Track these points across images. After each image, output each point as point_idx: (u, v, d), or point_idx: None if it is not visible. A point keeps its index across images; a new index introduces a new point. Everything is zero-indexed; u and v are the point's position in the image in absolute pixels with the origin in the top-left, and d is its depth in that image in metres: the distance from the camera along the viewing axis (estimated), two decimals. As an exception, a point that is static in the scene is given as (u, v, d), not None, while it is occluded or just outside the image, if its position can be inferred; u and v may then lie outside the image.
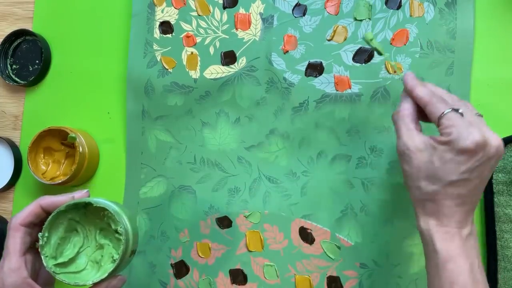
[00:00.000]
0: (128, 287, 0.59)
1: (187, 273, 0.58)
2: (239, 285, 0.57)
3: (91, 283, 0.42)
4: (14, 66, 0.65)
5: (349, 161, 0.55)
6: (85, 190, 0.45)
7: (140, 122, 0.60)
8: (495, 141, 0.39)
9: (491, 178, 0.52)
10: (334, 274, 0.55)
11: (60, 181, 0.58)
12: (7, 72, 0.65)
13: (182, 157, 0.59)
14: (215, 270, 0.57)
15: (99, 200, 0.44)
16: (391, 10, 0.55)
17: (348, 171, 0.55)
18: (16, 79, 0.65)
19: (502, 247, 0.52)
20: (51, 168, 0.61)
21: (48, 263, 0.42)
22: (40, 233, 0.42)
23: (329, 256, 0.55)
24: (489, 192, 0.52)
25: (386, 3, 0.55)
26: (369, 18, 0.56)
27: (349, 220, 0.55)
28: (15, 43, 0.65)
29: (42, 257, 0.42)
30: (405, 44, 0.55)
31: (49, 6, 0.65)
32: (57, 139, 0.60)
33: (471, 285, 0.39)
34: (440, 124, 0.40)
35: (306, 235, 0.56)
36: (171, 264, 0.59)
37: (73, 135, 0.57)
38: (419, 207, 0.42)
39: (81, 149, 0.58)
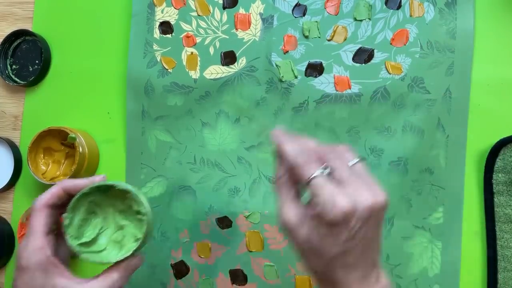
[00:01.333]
0: (128, 287, 0.59)
1: (187, 273, 0.58)
2: (239, 285, 0.57)
3: (115, 261, 0.44)
4: (14, 66, 0.65)
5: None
6: (103, 175, 0.46)
7: (140, 122, 0.60)
8: (366, 201, 0.35)
9: (491, 178, 0.52)
10: (334, 274, 0.55)
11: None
12: (7, 72, 0.65)
13: (182, 157, 0.59)
14: (215, 270, 0.57)
15: (121, 183, 0.46)
16: (391, 10, 0.55)
17: (348, 171, 0.55)
18: (16, 79, 0.65)
19: (502, 247, 0.52)
20: (51, 168, 0.61)
21: (73, 242, 0.44)
22: (64, 214, 0.44)
23: (329, 256, 0.55)
24: (489, 192, 0.52)
25: (386, 3, 0.55)
26: (369, 19, 0.56)
27: (349, 220, 0.55)
28: (15, 43, 0.65)
29: (67, 236, 0.43)
30: (405, 44, 0.55)
31: (49, 6, 0.65)
32: (57, 139, 0.60)
33: None
34: (310, 192, 0.36)
35: (306, 235, 0.56)
36: (171, 265, 0.59)
37: (73, 135, 0.57)
38: (316, 281, 0.39)
39: (81, 149, 0.58)
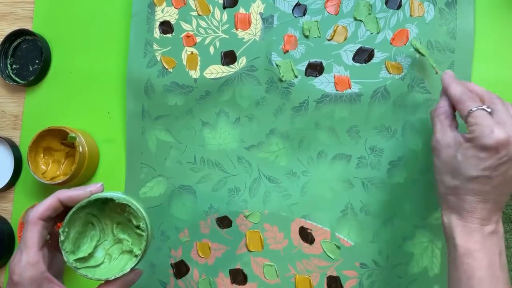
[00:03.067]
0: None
1: (187, 273, 0.58)
2: (239, 285, 0.57)
3: (112, 278, 0.43)
4: (14, 66, 0.65)
5: (349, 161, 0.55)
6: (100, 184, 0.45)
7: (140, 122, 0.60)
8: None
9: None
10: (334, 274, 0.55)
11: (60, 181, 0.58)
12: (7, 72, 0.65)
13: (182, 157, 0.59)
14: (215, 270, 0.57)
15: (120, 196, 0.44)
16: (391, 10, 0.55)
17: (348, 171, 0.55)
18: (16, 79, 0.65)
19: (502, 247, 0.52)
20: (51, 168, 0.61)
21: (69, 258, 0.42)
22: (60, 229, 0.42)
23: (329, 256, 0.55)
24: (489, 192, 0.52)
25: (386, 3, 0.55)
26: (362, 20, 0.56)
27: (349, 220, 0.55)
28: (15, 43, 0.65)
29: (63, 252, 0.42)
30: (405, 44, 0.55)
31: (49, 6, 0.65)
32: (57, 139, 0.60)
33: (488, 281, 0.40)
34: (467, 122, 0.41)
35: (306, 235, 0.56)
36: (171, 264, 0.59)
37: (73, 135, 0.57)
38: (443, 201, 0.44)
39: (81, 149, 0.58)
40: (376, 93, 0.55)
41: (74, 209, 0.42)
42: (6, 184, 0.62)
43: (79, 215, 0.44)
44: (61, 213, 0.43)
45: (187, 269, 0.58)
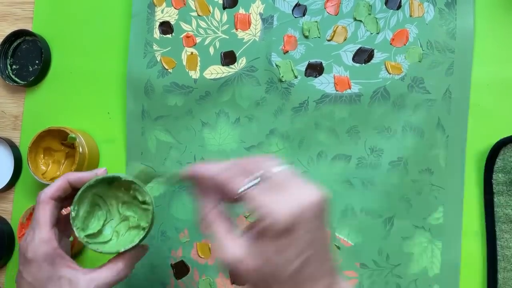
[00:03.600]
0: (128, 287, 0.59)
1: (187, 273, 0.58)
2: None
3: (123, 250, 0.44)
4: (14, 66, 0.65)
5: (349, 161, 0.55)
6: (104, 168, 0.46)
7: (140, 122, 0.60)
8: (305, 201, 0.32)
9: (491, 178, 0.52)
10: (334, 274, 0.55)
11: (60, 181, 0.58)
12: (7, 72, 0.65)
13: (182, 157, 0.59)
14: (215, 270, 0.57)
15: (126, 175, 0.46)
16: (391, 10, 0.55)
17: (348, 171, 0.55)
18: (16, 79, 0.65)
19: (502, 247, 0.52)
20: (51, 168, 0.61)
21: (80, 234, 0.44)
22: (71, 206, 0.44)
23: (329, 256, 0.55)
24: (489, 192, 0.52)
25: (386, 3, 0.55)
26: (362, 21, 0.56)
27: (349, 220, 0.55)
28: (15, 43, 0.65)
29: (74, 228, 0.44)
30: (405, 44, 0.55)
31: (49, 6, 0.65)
32: (57, 140, 0.60)
33: None
34: (246, 207, 0.34)
35: (306, 235, 0.56)
36: (171, 265, 0.59)
37: (73, 135, 0.57)
38: None
39: (81, 150, 0.58)
40: (376, 93, 0.55)
41: (83, 187, 0.44)
42: (6, 185, 0.62)
43: (87, 195, 0.46)
44: (69, 195, 0.45)
45: (187, 270, 0.58)
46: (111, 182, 0.47)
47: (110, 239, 0.47)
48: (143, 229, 0.46)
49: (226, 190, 0.34)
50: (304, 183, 0.33)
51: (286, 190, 0.32)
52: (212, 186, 0.35)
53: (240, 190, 0.33)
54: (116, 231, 0.48)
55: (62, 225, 0.46)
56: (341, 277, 0.35)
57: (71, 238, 0.57)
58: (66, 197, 0.45)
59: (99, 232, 0.47)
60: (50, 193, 0.43)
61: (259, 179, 0.33)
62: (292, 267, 0.32)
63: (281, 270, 0.32)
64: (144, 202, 0.47)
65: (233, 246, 0.33)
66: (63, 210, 0.46)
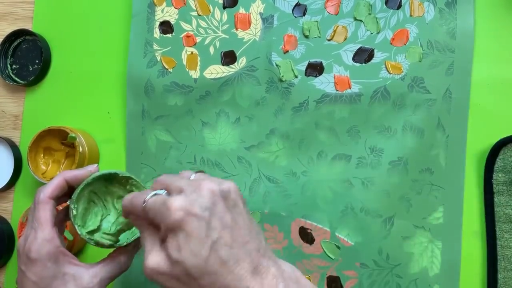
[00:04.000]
0: (128, 287, 0.59)
1: (187, 273, 0.58)
2: (239, 285, 0.57)
3: (125, 243, 0.45)
4: (14, 66, 0.65)
5: (349, 161, 0.55)
6: (96, 165, 0.47)
7: (140, 122, 0.60)
8: (203, 191, 0.34)
9: (491, 178, 0.52)
10: (334, 274, 0.55)
11: (60, 181, 0.58)
12: (7, 72, 0.65)
13: (182, 157, 0.59)
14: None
15: (123, 171, 0.47)
16: (391, 10, 0.55)
17: (348, 171, 0.55)
18: (16, 79, 0.65)
19: (502, 247, 0.52)
20: (51, 168, 0.61)
21: (82, 231, 0.45)
22: (71, 205, 0.44)
23: (329, 256, 0.55)
24: (489, 192, 0.52)
25: (386, 3, 0.55)
26: (362, 21, 0.56)
27: (349, 220, 0.55)
28: (15, 43, 0.65)
29: (75, 226, 0.44)
30: (405, 44, 0.55)
31: (49, 6, 0.65)
32: (57, 139, 0.60)
33: None
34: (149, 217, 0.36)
35: (306, 235, 0.56)
36: (171, 264, 0.59)
37: (73, 135, 0.57)
38: None
39: (81, 149, 0.58)
40: (376, 93, 0.55)
41: (82, 185, 0.45)
42: (6, 184, 0.62)
43: (84, 192, 0.46)
44: (65, 193, 0.45)
45: (187, 269, 0.58)
46: (107, 179, 0.47)
47: (109, 234, 0.48)
48: None
49: (134, 210, 0.38)
50: (208, 180, 0.36)
51: (188, 189, 0.35)
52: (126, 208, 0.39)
53: (143, 202, 0.36)
54: (113, 226, 0.48)
55: (56, 223, 0.46)
56: (280, 260, 0.37)
57: (69, 236, 0.57)
58: (64, 196, 0.46)
59: (99, 228, 0.47)
60: (48, 192, 0.44)
61: (164, 191, 0.36)
62: (201, 255, 0.33)
63: (193, 261, 0.33)
64: None
65: (152, 257, 0.35)
66: (56, 209, 0.46)
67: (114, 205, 0.49)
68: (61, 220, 0.46)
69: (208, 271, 0.33)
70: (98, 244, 0.45)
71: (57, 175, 0.45)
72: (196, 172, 0.38)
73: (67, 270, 0.43)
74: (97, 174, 0.45)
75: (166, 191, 0.36)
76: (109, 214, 0.49)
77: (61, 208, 0.47)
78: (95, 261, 0.45)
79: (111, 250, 0.46)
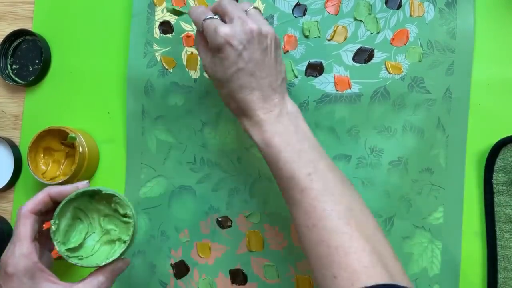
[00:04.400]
0: (128, 287, 0.59)
1: (187, 273, 0.58)
2: (239, 285, 0.57)
3: (103, 264, 0.45)
4: (14, 66, 0.65)
5: (349, 161, 0.55)
6: (86, 181, 0.47)
7: (140, 122, 0.60)
8: (244, 27, 0.43)
9: (491, 178, 0.52)
10: (334, 274, 0.55)
11: (60, 181, 0.58)
12: (7, 72, 0.65)
13: (182, 157, 0.59)
14: (215, 270, 0.57)
15: (107, 188, 0.47)
16: (391, 10, 0.55)
17: (348, 171, 0.55)
18: (16, 79, 0.65)
19: (502, 247, 0.52)
20: (51, 168, 0.61)
21: (61, 248, 0.44)
22: (52, 220, 0.44)
23: (329, 256, 0.55)
24: (489, 192, 0.52)
25: (386, 3, 0.55)
26: (362, 21, 0.56)
27: (349, 220, 0.55)
28: (15, 43, 0.65)
29: (55, 242, 0.44)
30: (405, 44, 0.55)
31: (49, 6, 0.65)
32: (57, 139, 0.60)
33: (291, 158, 0.42)
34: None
35: (306, 235, 0.56)
36: (171, 264, 0.59)
37: (73, 135, 0.57)
38: (234, 113, 0.47)
39: (81, 149, 0.58)
40: (376, 93, 0.55)
41: (64, 201, 0.44)
42: (6, 184, 0.62)
43: (68, 208, 0.46)
44: (50, 209, 0.45)
45: (187, 269, 0.58)
46: (92, 195, 0.47)
47: (91, 252, 0.47)
48: (124, 242, 0.46)
49: (195, 25, 0.47)
50: (256, 19, 0.45)
51: (238, 21, 0.44)
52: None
53: (202, 21, 0.46)
54: (97, 244, 0.48)
55: (43, 238, 0.46)
56: (289, 99, 0.46)
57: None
58: (47, 211, 0.45)
59: (80, 245, 0.47)
60: (30, 207, 0.43)
61: (216, 16, 0.46)
62: (230, 72, 0.44)
63: (221, 76, 0.45)
64: (125, 215, 0.47)
65: (203, 60, 0.47)
66: (44, 224, 0.45)
67: (100, 223, 0.49)
68: (48, 236, 0.46)
69: (230, 86, 0.45)
70: (75, 263, 0.45)
71: (42, 190, 0.45)
72: (254, 7, 0.46)
73: (44, 287, 0.42)
74: (80, 190, 0.45)
75: (220, 16, 0.46)
76: (94, 232, 0.48)
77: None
78: (84, 276, 0.45)
79: (92, 269, 0.46)
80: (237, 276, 0.57)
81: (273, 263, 0.56)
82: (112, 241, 0.48)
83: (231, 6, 0.46)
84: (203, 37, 0.47)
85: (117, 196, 0.46)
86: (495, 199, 0.52)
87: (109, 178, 0.62)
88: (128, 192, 0.61)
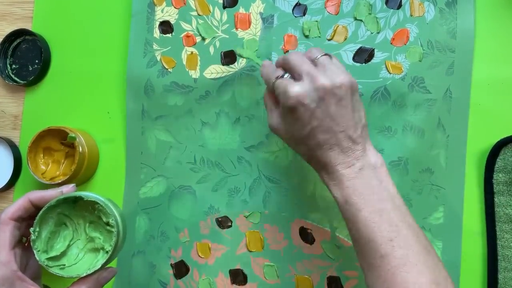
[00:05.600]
0: (128, 287, 0.59)
1: (187, 273, 0.58)
2: (239, 285, 0.57)
3: (84, 274, 0.43)
4: (13, 66, 0.65)
5: (349, 161, 0.55)
6: (72, 185, 0.46)
7: (140, 122, 0.60)
8: (316, 83, 0.42)
9: (492, 178, 0.52)
10: (334, 274, 0.55)
11: (59, 181, 0.57)
12: (6, 72, 0.65)
13: (182, 157, 0.59)
14: (215, 270, 0.57)
15: (89, 194, 0.45)
16: (392, 9, 0.55)
17: (348, 171, 0.55)
18: (16, 79, 0.65)
19: (503, 247, 0.52)
20: (50, 168, 0.61)
21: (41, 257, 0.43)
22: (31, 228, 0.43)
23: (329, 256, 0.55)
24: (489, 192, 0.52)
25: (386, 3, 0.55)
26: (361, 20, 0.56)
27: (349, 220, 0.55)
28: (15, 43, 0.65)
29: (34, 251, 0.43)
30: (405, 44, 0.54)
31: (49, 6, 0.65)
32: (56, 139, 0.60)
33: (377, 216, 0.40)
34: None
35: (306, 235, 0.56)
36: (171, 264, 0.59)
37: (73, 135, 0.57)
38: (316, 171, 0.46)
39: (80, 149, 0.58)
40: (376, 93, 0.54)
41: (44, 208, 0.43)
42: (5, 184, 0.62)
43: (51, 215, 0.45)
44: (34, 214, 0.43)
45: (187, 270, 0.58)
46: (74, 202, 0.46)
47: (75, 261, 0.46)
48: (107, 252, 0.44)
49: (268, 84, 0.47)
50: (329, 70, 0.43)
51: (307, 77, 0.43)
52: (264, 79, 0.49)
53: (273, 81, 0.45)
54: (81, 252, 0.46)
55: (29, 245, 0.44)
56: (371, 149, 0.44)
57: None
58: (31, 216, 0.44)
59: (63, 253, 0.45)
60: (9, 213, 0.42)
61: (286, 75, 0.45)
62: (302, 135, 0.43)
63: (297, 135, 0.44)
64: (108, 224, 0.45)
65: (275, 117, 0.46)
66: (30, 230, 0.44)
67: (85, 229, 0.47)
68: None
69: (308, 144, 0.44)
70: (55, 273, 0.43)
71: (23, 195, 0.43)
72: (323, 55, 0.44)
73: None
74: (61, 197, 0.43)
75: (289, 75, 0.45)
76: (79, 239, 0.47)
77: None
78: (66, 283, 0.44)
79: (74, 279, 0.44)
80: (237, 276, 0.57)
81: (273, 263, 0.56)
82: (96, 250, 0.46)
83: (298, 61, 0.44)
84: (273, 96, 0.46)
85: (99, 204, 0.44)
86: (496, 199, 0.52)
87: (109, 178, 0.62)
88: (128, 192, 0.60)
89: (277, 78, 0.45)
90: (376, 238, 0.39)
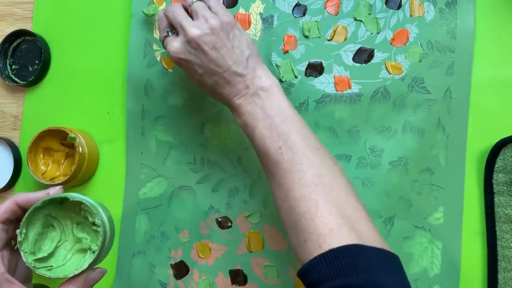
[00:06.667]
0: (127, 287, 0.59)
1: (187, 274, 0.58)
2: (239, 285, 0.57)
3: (71, 275, 0.43)
4: (13, 66, 0.65)
5: (349, 161, 0.55)
6: (59, 187, 0.45)
7: (140, 122, 0.60)
8: (187, 38, 0.46)
9: (491, 178, 0.52)
10: (334, 274, 0.55)
11: (59, 182, 0.57)
12: (6, 72, 0.65)
13: (182, 157, 0.59)
14: (215, 271, 0.57)
15: (75, 195, 0.45)
16: (391, 10, 0.55)
17: (348, 171, 0.55)
18: (16, 79, 0.65)
19: (503, 247, 0.52)
20: (50, 168, 0.61)
21: (28, 259, 0.43)
22: (18, 230, 0.43)
23: (329, 256, 0.55)
24: (489, 192, 0.52)
25: (386, 3, 0.55)
26: (361, 20, 0.56)
27: (349, 220, 0.55)
28: (15, 43, 0.65)
29: (21, 253, 0.43)
30: (405, 44, 0.54)
31: (49, 6, 0.65)
32: (56, 139, 0.60)
33: (267, 131, 0.44)
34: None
35: (306, 235, 0.56)
36: (171, 265, 0.59)
37: (73, 135, 0.57)
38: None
39: (80, 149, 0.58)
40: (376, 93, 0.54)
41: (30, 210, 0.43)
42: (5, 185, 0.62)
43: (38, 216, 0.45)
44: (21, 216, 0.43)
45: (187, 270, 0.58)
46: (61, 203, 0.46)
47: (63, 262, 0.46)
48: (93, 252, 0.44)
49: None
50: (198, 18, 0.47)
51: (181, 32, 0.47)
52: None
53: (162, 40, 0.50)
54: (69, 253, 0.46)
55: (15, 248, 0.44)
56: (263, 75, 0.47)
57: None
58: (18, 219, 0.44)
59: (51, 255, 0.45)
60: None
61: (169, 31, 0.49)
62: (196, 82, 0.49)
63: (195, 84, 0.49)
64: (94, 224, 0.45)
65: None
66: (17, 231, 0.44)
67: (73, 230, 0.47)
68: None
69: (206, 88, 0.49)
70: (42, 274, 0.43)
71: (10, 198, 0.43)
72: (195, 1, 0.48)
73: None
74: (46, 198, 0.43)
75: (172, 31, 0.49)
76: (66, 241, 0.47)
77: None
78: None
79: (63, 280, 0.44)
80: (237, 276, 0.57)
81: (273, 263, 0.56)
82: (84, 250, 0.46)
83: (173, 13, 0.48)
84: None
85: (85, 204, 0.44)
86: (495, 199, 0.52)
87: (109, 178, 0.62)
88: (128, 192, 0.60)
89: (164, 37, 0.49)
90: (268, 149, 0.44)
